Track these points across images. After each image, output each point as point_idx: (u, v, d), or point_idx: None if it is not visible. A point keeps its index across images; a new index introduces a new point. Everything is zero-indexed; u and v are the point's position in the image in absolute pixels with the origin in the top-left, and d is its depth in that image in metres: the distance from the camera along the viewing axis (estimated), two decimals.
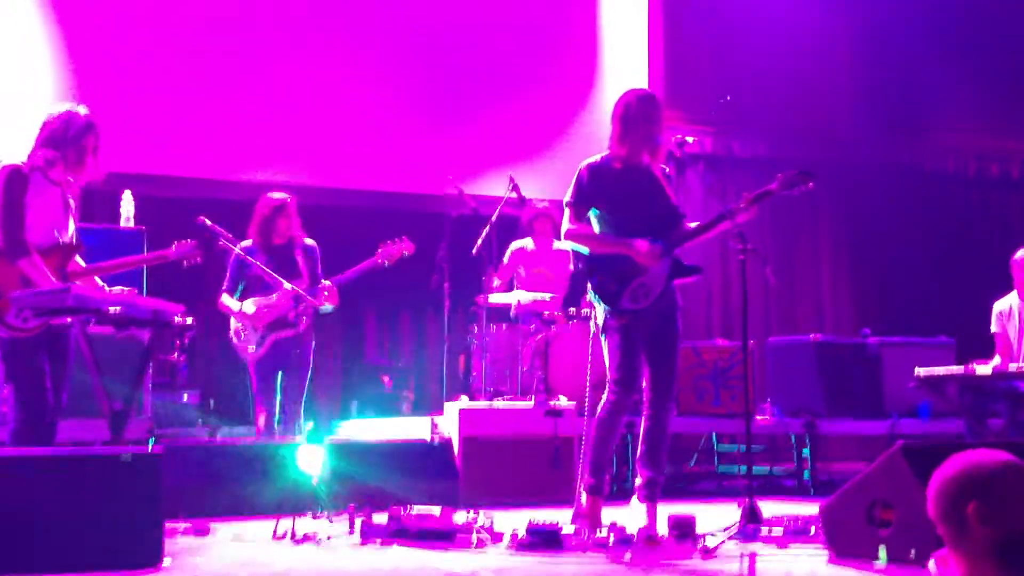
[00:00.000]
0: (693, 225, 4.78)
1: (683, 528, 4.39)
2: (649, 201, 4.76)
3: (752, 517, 4.54)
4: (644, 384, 4.74)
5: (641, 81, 9.20)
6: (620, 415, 4.70)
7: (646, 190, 4.76)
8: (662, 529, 4.47)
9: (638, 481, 4.76)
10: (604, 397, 4.71)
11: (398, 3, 8.59)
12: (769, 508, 4.91)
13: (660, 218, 4.74)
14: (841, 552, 3.99)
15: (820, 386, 7.41)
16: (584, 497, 4.74)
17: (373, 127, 8.45)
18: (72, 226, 4.56)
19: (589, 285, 4.76)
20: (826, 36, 10.04)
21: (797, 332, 8.52)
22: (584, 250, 4.78)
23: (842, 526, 4.00)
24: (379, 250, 6.12)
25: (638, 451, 4.79)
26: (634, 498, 4.74)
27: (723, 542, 4.29)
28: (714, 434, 8.22)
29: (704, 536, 4.35)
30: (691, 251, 4.85)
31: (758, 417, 7.15)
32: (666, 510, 4.66)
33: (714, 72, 9.68)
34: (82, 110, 4.52)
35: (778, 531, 4.45)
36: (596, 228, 4.81)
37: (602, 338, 4.73)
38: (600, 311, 4.72)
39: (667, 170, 4.82)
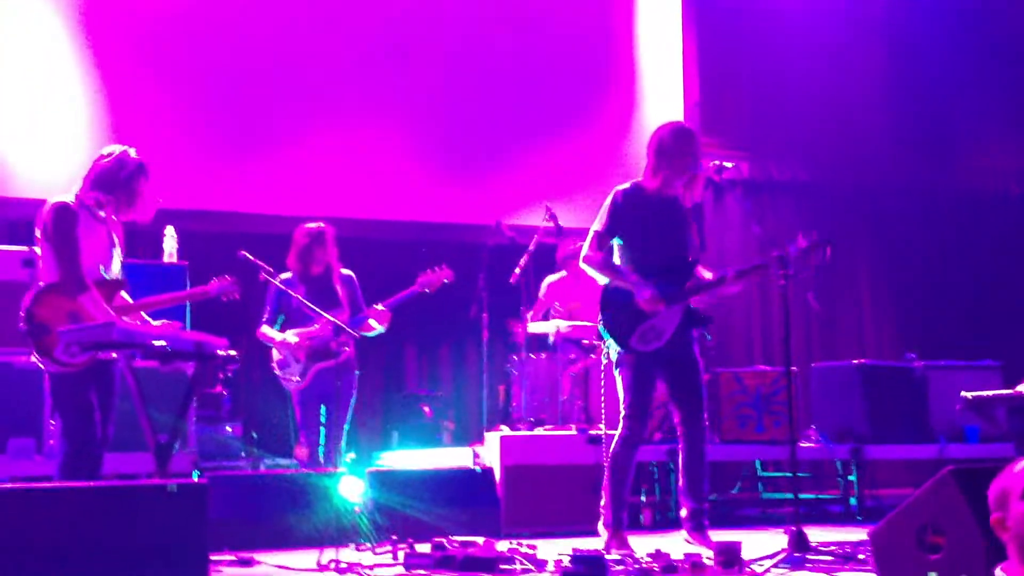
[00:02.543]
0: (707, 276, 4.82)
1: (729, 555, 4.33)
2: (671, 239, 4.84)
3: (800, 544, 4.48)
4: (675, 418, 4.83)
5: (677, 108, 9.21)
6: (633, 449, 4.79)
7: (670, 227, 4.84)
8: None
9: (684, 513, 4.78)
10: (617, 432, 4.77)
11: (437, 36, 8.66)
12: (816, 535, 4.85)
13: (677, 258, 4.82)
14: None
15: (865, 410, 7.32)
16: (604, 532, 4.80)
17: (411, 158, 8.49)
18: (118, 262, 4.62)
19: (600, 318, 4.79)
20: (862, 59, 9.98)
21: (838, 357, 8.43)
22: (601, 279, 4.82)
23: (892, 552, 3.92)
24: (419, 278, 6.17)
25: (679, 483, 4.80)
26: (683, 532, 4.80)
27: (770, 569, 4.24)
28: (758, 461, 8.13)
29: (750, 563, 4.30)
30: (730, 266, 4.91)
31: (803, 443, 7.07)
32: (711, 536, 4.62)
33: (750, 97, 9.67)
34: (132, 152, 4.58)
35: (827, 558, 4.39)
36: (616, 256, 4.84)
37: (615, 372, 4.81)
38: (611, 346, 4.74)
39: (699, 203, 4.89)
